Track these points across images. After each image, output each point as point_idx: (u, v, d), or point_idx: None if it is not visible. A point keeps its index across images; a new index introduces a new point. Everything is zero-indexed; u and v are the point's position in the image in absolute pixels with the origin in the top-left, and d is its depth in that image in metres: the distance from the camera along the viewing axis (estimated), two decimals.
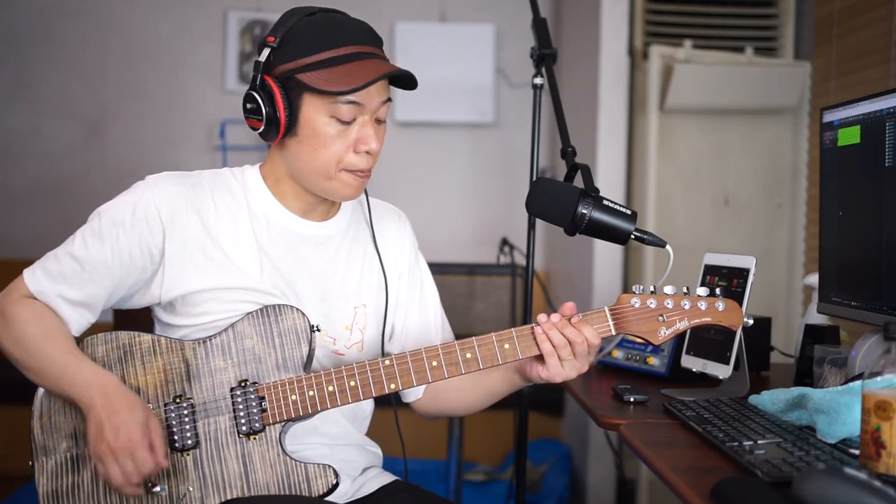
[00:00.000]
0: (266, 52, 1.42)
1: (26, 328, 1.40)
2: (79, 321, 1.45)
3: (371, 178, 1.53)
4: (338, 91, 1.38)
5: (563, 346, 1.38)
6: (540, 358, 1.42)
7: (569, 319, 1.40)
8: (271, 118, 1.42)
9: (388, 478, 1.59)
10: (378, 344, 1.59)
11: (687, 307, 1.41)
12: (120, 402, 1.34)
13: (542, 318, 1.40)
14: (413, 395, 1.65)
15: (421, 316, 1.65)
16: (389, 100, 1.47)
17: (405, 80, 1.47)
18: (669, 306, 1.40)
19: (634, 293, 1.42)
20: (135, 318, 1.58)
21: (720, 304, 1.41)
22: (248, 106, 1.44)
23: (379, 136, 1.46)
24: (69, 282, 1.43)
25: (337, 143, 1.42)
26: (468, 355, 1.41)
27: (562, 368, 1.40)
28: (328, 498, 1.42)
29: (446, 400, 1.64)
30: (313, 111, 1.41)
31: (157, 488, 1.39)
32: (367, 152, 1.44)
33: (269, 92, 1.41)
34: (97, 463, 1.34)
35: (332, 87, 1.38)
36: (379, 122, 1.47)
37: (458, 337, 1.52)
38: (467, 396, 1.61)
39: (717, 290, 1.43)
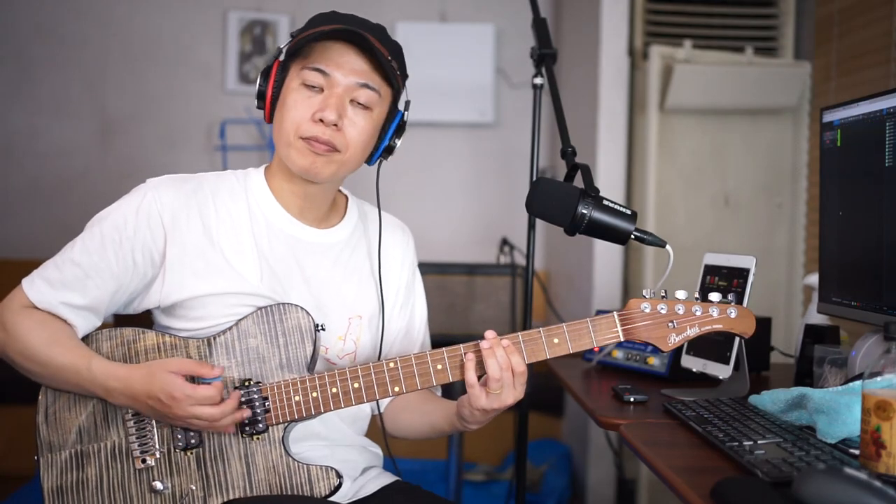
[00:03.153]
0: (286, 42, 1.48)
1: (30, 338, 1.40)
2: (84, 325, 1.45)
3: (364, 177, 1.53)
4: (295, 49, 1.42)
5: (497, 379, 1.36)
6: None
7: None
8: (262, 94, 1.47)
9: (388, 478, 1.59)
10: (371, 357, 1.59)
11: (698, 314, 1.38)
12: (140, 384, 1.36)
13: (485, 343, 1.37)
14: (377, 409, 1.65)
15: (407, 334, 1.66)
16: (372, 88, 1.45)
17: (384, 68, 1.45)
18: (680, 312, 1.38)
19: (644, 297, 1.39)
20: (139, 321, 1.57)
21: (732, 311, 1.38)
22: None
23: (353, 120, 1.45)
24: (72, 288, 1.42)
25: (299, 108, 1.44)
26: (473, 355, 1.40)
27: (485, 398, 1.37)
28: (329, 499, 1.42)
29: (399, 421, 1.65)
30: (290, 80, 1.46)
31: (160, 486, 1.39)
32: (321, 121, 1.42)
33: (268, 72, 1.47)
34: (186, 428, 1.39)
35: (294, 46, 1.43)
36: (357, 106, 1.45)
37: (457, 338, 1.52)
38: (415, 424, 1.62)
39: (730, 297, 1.40)
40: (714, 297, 1.39)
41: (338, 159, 1.46)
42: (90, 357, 1.40)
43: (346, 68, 1.44)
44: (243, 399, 1.41)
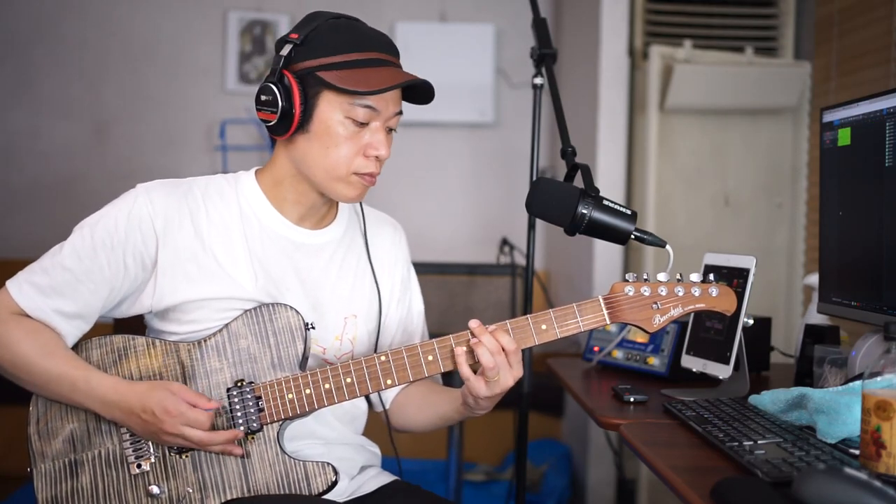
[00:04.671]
0: (288, 47, 1.43)
1: (21, 347, 1.39)
2: (74, 333, 1.44)
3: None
4: (360, 91, 1.39)
5: (491, 367, 1.36)
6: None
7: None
8: (286, 112, 1.41)
9: (387, 477, 1.59)
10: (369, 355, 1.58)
11: (681, 294, 1.41)
12: (138, 397, 1.36)
13: (472, 330, 1.39)
14: (381, 405, 1.65)
15: (405, 333, 1.66)
16: (401, 112, 1.48)
17: (419, 96, 1.49)
18: (663, 293, 1.41)
19: (628, 281, 1.42)
20: (132, 326, 1.57)
21: (713, 290, 1.41)
22: (263, 98, 1.43)
23: (388, 144, 1.47)
24: (63, 294, 1.41)
25: (348, 143, 1.43)
26: (463, 348, 1.41)
27: (485, 387, 1.38)
28: (327, 496, 1.42)
29: (406, 415, 1.64)
30: (329, 109, 1.42)
31: (156, 490, 1.39)
32: (377, 157, 1.45)
33: (286, 86, 1.41)
34: (175, 447, 1.40)
35: (354, 86, 1.39)
36: (389, 131, 1.48)
37: None
38: (423, 416, 1.62)
39: (711, 276, 1.43)
40: (694, 276, 1.42)
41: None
42: (88, 369, 1.40)
43: (390, 101, 1.45)
44: (236, 399, 1.41)
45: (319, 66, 1.41)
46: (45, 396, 1.43)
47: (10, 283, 1.43)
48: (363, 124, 1.43)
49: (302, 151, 1.46)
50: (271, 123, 1.43)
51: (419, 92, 1.48)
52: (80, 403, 1.40)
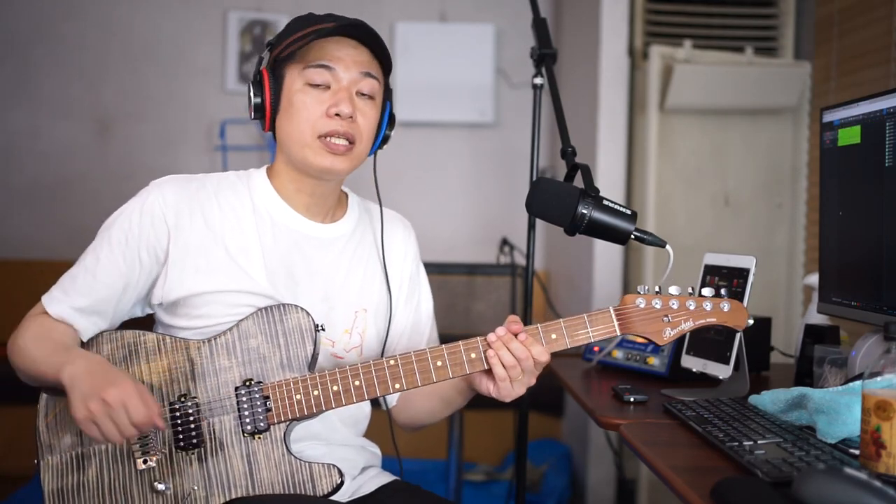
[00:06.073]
0: (266, 50, 1.50)
1: (25, 337, 1.42)
2: (91, 329, 1.46)
3: (365, 173, 1.53)
4: (295, 47, 1.43)
5: (513, 367, 1.37)
6: (489, 373, 1.41)
7: (515, 335, 1.39)
8: (258, 105, 1.49)
9: (387, 478, 1.59)
10: (376, 350, 1.59)
11: (692, 308, 1.40)
12: (106, 370, 1.32)
13: (491, 337, 1.39)
14: (390, 401, 1.65)
15: (414, 329, 1.66)
16: (373, 77, 1.49)
17: (381, 55, 1.51)
18: (674, 307, 1.40)
19: (639, 293, 1.41)
20: (142, 323, 1.57)
21: (725, 305, 1.41)
22: (248, 98, 1.52)
23: (363, 110, 1.48)
24: (81, 292, 1.44)
25: (311, 108, 1.46)
26: (472, 355, 1.41)
27: (512, 389, 1.40)
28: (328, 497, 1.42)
29: (413, 407, 1.64)
30: (290, 82, 1.48)
31: (162, 486, 1.39)
32: (338, 115, 1.45)
33: (259, 80, 1.49)
34: (86, 428, 1.29)
35: (293, 48, 1.44)
36: (363, 96, 1.49)
37: (457, 338, 1.52)
38: (427, 404, 1.62)
39: (723, 291, 1.42)
40: (707, 291, 1.42)
41: (354, 153, 1.50)
42: (74, 349, 1.38)
43: (349, 60, 1.47)
44: (244, 398, 1.41)
45: (281, 49, 1.47)
46: (42, 387, 1.42)
47: (45, 295, 1.47)
48: (324, 89, 1.46)
49: (280, 131, 1.51)
50: (254, 118, 1.51)
51: (379, 51, 1.50)
52: (56, 382, 1.33)
